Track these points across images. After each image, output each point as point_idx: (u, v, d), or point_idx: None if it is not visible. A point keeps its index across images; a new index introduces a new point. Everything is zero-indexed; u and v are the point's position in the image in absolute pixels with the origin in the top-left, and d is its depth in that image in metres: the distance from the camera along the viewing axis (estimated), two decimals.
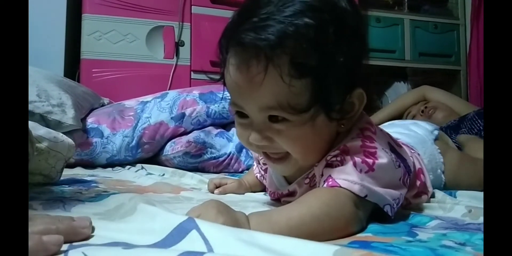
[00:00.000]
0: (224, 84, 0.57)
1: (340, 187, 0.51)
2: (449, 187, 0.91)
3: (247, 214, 0.47)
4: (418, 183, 0.70)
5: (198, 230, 0.38)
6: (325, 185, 0.53)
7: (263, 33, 0.49)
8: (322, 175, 0.57)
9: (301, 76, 0.50)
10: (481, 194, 0.79)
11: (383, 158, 0.54)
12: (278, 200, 0.70)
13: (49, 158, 0.82)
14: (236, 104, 0.55)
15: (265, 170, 0.75)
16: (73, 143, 0.87)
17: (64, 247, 0.38)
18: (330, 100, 0.53)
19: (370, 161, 0.53)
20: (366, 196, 0.51)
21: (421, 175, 0.72)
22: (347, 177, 0.52)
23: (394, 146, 0.61)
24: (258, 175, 0.82)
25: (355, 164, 0.53)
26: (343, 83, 0.53)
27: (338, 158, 0.55)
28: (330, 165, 0.56)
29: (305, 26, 0.49)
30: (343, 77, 0.53)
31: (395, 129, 0.97)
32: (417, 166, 0.73)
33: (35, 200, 0.64)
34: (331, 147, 0.58)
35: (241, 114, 0.56)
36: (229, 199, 0.76)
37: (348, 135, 0.57)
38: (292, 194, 0.66)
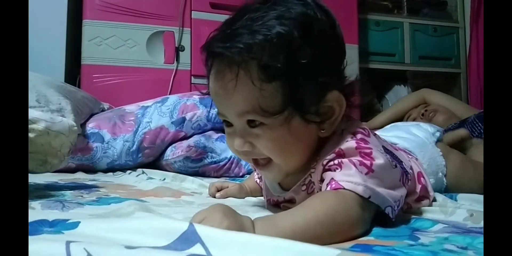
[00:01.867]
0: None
1: (344, 189, 0.51)
2: (451, 191, 0.90)
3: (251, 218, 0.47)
4: (419, 187, 0.70)
5: (202, 243, 0.39)
6: (328, 188, 0.53)
7: (232, 42, 0.52)
8: (321, 180, 0.57)
9: (270, 80, 0.52)
10: (482, 198, 0.79)
11: (379, 158, 0.55)
12: (277, 205, 0.69)
13: (52, 141, 0.80)
14: (220, 113, 0.58)
15: (261, 177, 0.76)
16: (74, 123, 0.86)
17: (63, 241, 0.38)
18: (303, 101, 0.54)
19: (367, 162, 0.54)
20: (369, 197, 0.52)
21: (422, 179, 0.72)
22: (350, 179, 0.52)
23: (388, 149, 0.61)
24: (258, 180, 0.82)
25: (355, 167, 0.53)
26: (314, 84, 0.54)
27: (336, 162, 0.55)
28: (328, 170, 0.56)
29: (273, 34, 0.52)
30: (313, 78, 0.54)
31: (395, 133, 0.97)
32: (417, 169, 0.73)
33: (35, 200, 0.65)
34: (315, 152, 0.59)
35: (227, 123, 0.58)
36: (229, 203, 0.75)
37: (341, 139, 0.57)
38: (290, 201, 0.66)
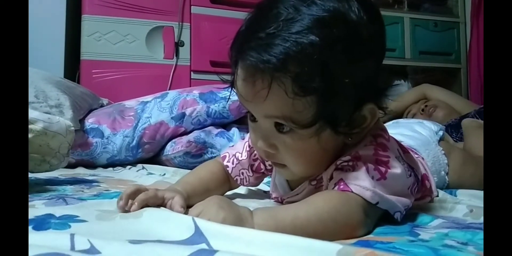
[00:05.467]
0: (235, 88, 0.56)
1: (352, 192, 0.50)
2: (452, 187, 0.90)
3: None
4: (423, 188, 0.69)
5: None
6: (336, 188, 0.52)
7: (266, 55, 0.48)
8: (331, 178, 0.56)
9: (305, 95, 0.49)
10: (481, 193, 0.79)
11: (396, 168, 0.53)
12: (281, 202, 0.69)
13: (50, 142, 0.80)
14: (245, 107, 0.55)
15: (256, 171, 0.72)
16: (71, 124, 0.86)
17: (67, 235, 0.38)
18: (336, 116, 0.52)
19: (383, 169, 0.52)
20: (377, 203, 0.51)
21: (426, 181, 0.71)
22: (359, 183, 0.51)
23: (402, 154, 0.59)
24: (229, 164, 0.72)
25: (367, 171, 0.52)
26: (350, 99, 0.51)
27: (350, 163, 0.54)
28: (340, 169, 0.55)
29: (310, 45, 0.47)
30: (351, 93, 0.51)
31: (399, 130, 0.96)
32: (422, 171, 0.72)
33: (37, 199, 0.65)
34: (336, 157, 0.57)
35: (251, 115, 0.56)
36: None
37: (361, 141, 0.56)
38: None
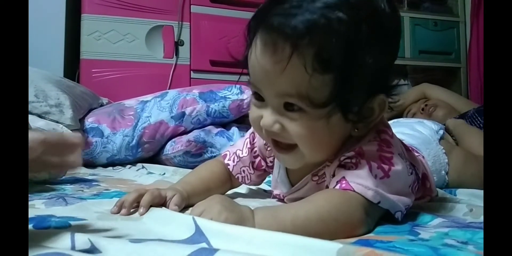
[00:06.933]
0: (245, 67, 0.55)
1: (354, 191, 0.50)
2: (451, 186, 0.90)
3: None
4: (423, 188, 0.69)
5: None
6: (337, 187, 0.52)
7: (293, 21, 0.47)
8: (333, 175, 0.55)
9: (324, 71, 0.48)
10: (481, 192, 0.79)
11: (398, 164, 0.53)
12: (283, 200, 0.69)
13: None
14: (255, 85, 0.54)
15: (257, 168, 0.72)
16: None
17: (67, 234, 0.38)
18: (350, 100, 0.51)
19: (386, 167, 0.52)
20: (379, 202, 0.51)
21: (426, 181, 0.71)
22: (361, 182, 0.51)
23: (404, 152, 0.59)
24: (230, 162, 0.72)
25: (370, 169, 0.52)
26: (366, 86, 0.51)
27: (353, 161, 0.53)
28: (343, 166, 0.55)
29: (337, 21, 0.47)
30: (367, 79, 0.51)
31: (400, 129, 0.96)
32: (422, 171, 0.73)
33: (37, 198, 0.65)
34: (340, 148, 0.56)
35: (258, 96, 0.54)
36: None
37: (365, 137, 0.55)
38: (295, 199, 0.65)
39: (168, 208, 0.56)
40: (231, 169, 0.72)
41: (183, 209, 0.59)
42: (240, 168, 0.72)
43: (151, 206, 0.55)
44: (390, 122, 1.12)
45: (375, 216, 0.52)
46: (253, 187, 0.83)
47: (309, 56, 0.47)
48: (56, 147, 0.37)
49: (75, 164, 0.41)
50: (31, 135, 0.37)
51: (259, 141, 0.70)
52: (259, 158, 0.71)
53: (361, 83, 0.51)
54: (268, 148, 0.68)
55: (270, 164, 0.70)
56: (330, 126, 0.52)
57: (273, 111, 0.53)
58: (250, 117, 0.57)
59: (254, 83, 0.54)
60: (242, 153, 0.71)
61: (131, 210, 0.55)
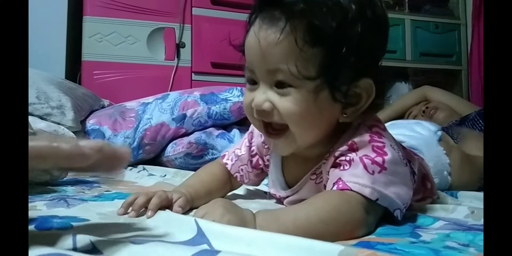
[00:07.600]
0: (243, 53, 0.58)
1: (351, 190, 0.51)
2: (455, 188, 0.90)
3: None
4: (423, 189, 0.69)
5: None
6: (335, 188, 0.52)
7: None
8: (331, 167, 0.56)
9: (314, 44, 0.51)
10: (482, 195, 0.79)
11: (391, 153, 0.54)
12: (281, 202, 0.69)
13: None
14: (249, 68, 0.56)
15: (255, 167, 0.72)
16: (75, 136, 0.86)
17: (69, 235, 0.38)
18: (337, 76, 0.53)
19: (379, 159, 0.53)
20: (377, 199, 0.51)
21: (426, 181, 0.71)
22: (358, 180, 0.51)
23: (398, 146, 0.60)
24: (229, 162, 0.73)
25: (365, 167, 0.52)
26: (353, 63, 0.53)
27: (347, 158, 0.54)
28: (338, 165, 0.55)
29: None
30: (356, 57, 0.52)
31: (399, 131, 0.96)
32: (422, 171, 0.72)
33: (39, 200, 0.65)
34: (332, 138, 0.57)
35: (252, 81, 0.57)
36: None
37: (356, 131, 0.56)
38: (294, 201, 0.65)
39: (172, 210, 0.56)
40: (229, 168, 0.72)
41: (186, 211, 0.59)
42: (239, 167, 0.72)
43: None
44: (388, 124, 1.13)
45: (376, 214, 0.52)
46: (252, 188, 0.83)
47: (301, 29, 0.50)
48: (109, 158, 0.37)
49: (117, 177, 0.41)
50: (91, 142, 0.37)
51: (257, 140, 0.70)
52: (257, 156, 0.72)
53: (349, 60, 0.52)
54: (266, 146, 0.69)
55: (267, 163, 0.71)
56: (318, 102, 0.54)
57: (264, 90, 0.55)
58: (244, 103, 0.59)
59: (248, 67, 0.56)
60: (240, 152, 0.72)
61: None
